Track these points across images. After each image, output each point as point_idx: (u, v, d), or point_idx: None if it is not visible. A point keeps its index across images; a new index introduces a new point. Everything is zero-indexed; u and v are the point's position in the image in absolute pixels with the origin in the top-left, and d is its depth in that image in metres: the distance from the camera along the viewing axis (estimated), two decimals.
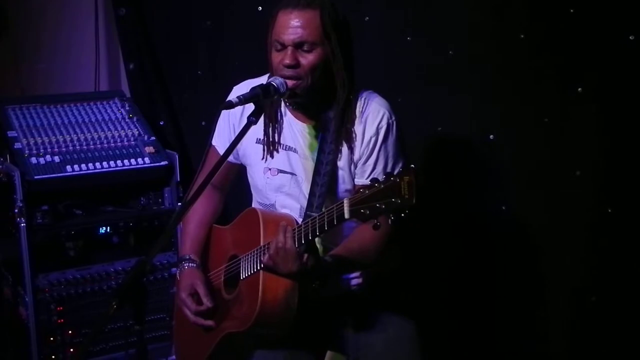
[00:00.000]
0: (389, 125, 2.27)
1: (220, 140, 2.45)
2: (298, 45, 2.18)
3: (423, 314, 2.45)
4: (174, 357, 3.33)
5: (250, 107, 2.17)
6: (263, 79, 2.30)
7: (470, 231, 2.99)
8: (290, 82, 2.19)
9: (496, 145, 2.90)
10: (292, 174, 2.33)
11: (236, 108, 2.23)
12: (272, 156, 2.34)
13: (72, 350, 3.29)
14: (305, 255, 2.05)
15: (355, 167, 2.29)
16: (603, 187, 2.70)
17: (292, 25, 2.17)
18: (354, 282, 2.40)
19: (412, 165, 2.95)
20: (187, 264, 2.46)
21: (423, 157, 3.06)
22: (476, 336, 3.01)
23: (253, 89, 2.15)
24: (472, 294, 3.00)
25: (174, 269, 3.48)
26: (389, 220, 1.82)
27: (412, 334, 2.37)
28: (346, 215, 1.89)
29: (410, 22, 3.05)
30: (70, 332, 3.29)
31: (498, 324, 2.96)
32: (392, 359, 2.33)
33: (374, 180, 1.85)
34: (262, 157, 2.35)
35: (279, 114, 2.33)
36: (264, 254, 2.15)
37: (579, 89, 2.68)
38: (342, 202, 1.90)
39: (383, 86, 2.42)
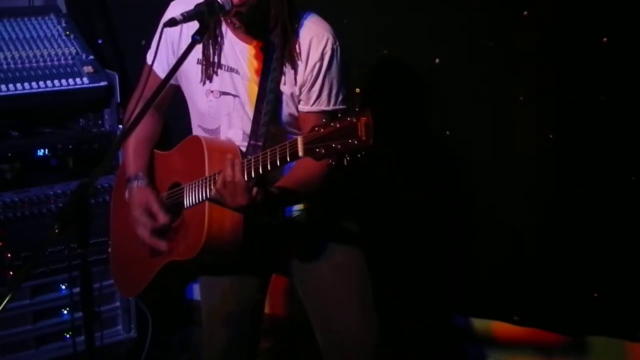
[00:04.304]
0: (333, 51, 2.20)
1: (157, 60, 2.33)
2: None
3: (369, 240, 2.46)
4: None
5: (189, 26, 2.11)
6: None
7: (413, 156, 3.02)
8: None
9: (441, 69, 2.90)
10: (235, 95, 2.28)
11: (172, 28, 2.17)
12: (211, 78, 2.28)
13: (11, 273, 3.25)
14: (255, 189, 2.03)
15: (300, 92, 2.24)
16: (545, 112, 2.74)
17: None
18: (297, 207, 2.39)
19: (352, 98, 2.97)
20: (136, 182, 2.38)
21: (366, 80, 3.05)
22: (421, 262, 3.07)
23: (197, 6, 2.07)
24: (416, 220, 3.05)
25: None
26: (345, 161, 1.80)
27: (359, 260, 2.39)
28: (300, 154, 1.86)
29: None
30: (9, 255, 3.24)
31: (441, 250, 3.03)
32: (339, 283, 2.35)
33: (330, 118, 1.82)
34: (201, 78, 2.30)
35: (218, 33, 2.26)
36: (210, 184, 2.12)
37: (525, 13, 2.69)
38: (296, 140, 1.86)
39: (327, 8, 2.37)
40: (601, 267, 2.74)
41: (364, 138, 1.75)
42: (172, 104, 2.49)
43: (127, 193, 2.41)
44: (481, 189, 2.94)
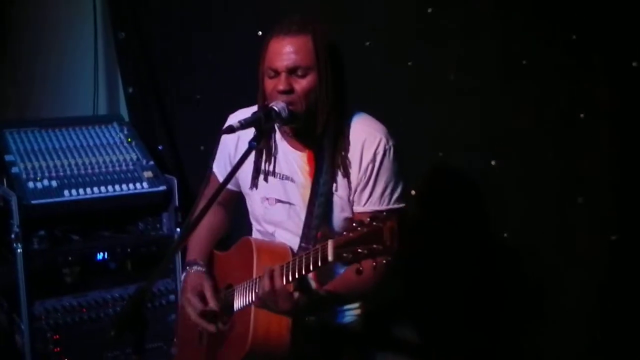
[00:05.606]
0: (385, 151, 2.21)
1: (218, 168, 2.43)
2: (291, 71, 2.14)
3: (426, 344, 2.40)
4: None
5: (245, 136, 2.16)
6: (253, 109, 2.28)
7: (472, 258, 2.96)
8: (290, 107, 2.16)
9: (498, 171, 2.88)
10: (290, 203, 2.30)
11: (230, 139, 2.26)
12: (262, 186, 2.32)
13: None
14: (297, 294, 2.02)
15: (354, 194, 2.24)
16: (606, 214, 2.68)
17: (285, 51, 2.14)
18: (353, 313, 2.35)
19: (407, 199, 2.96)
20: (195, 267, 2.41)
21: (423, 183, 3.04)
22: None
23: (254, 113, 2.13)
24: (475, 322, 2.97)
25: (172, 296, 3.44)
26: (373, 266, 1.80)
27: None
28: (330, 258, 1.86)
29: (410, 46, 3.05)
30: None
31: (503, 354, 2.93)
32: None
33: (358, 223, 1.82)
34: (257, 186, 2.33)
35: (273, 142, 2.30)
36: (256, 287, 2.11)
37: (581, 115, 2.67)
38: (327, 244, 1.87)
39: (383, 110, 2.40)
40: None
41: (388, 243, 1.75)
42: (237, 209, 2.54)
43: (183, 276, 2.43)
44: (543, 292, 2.85)
